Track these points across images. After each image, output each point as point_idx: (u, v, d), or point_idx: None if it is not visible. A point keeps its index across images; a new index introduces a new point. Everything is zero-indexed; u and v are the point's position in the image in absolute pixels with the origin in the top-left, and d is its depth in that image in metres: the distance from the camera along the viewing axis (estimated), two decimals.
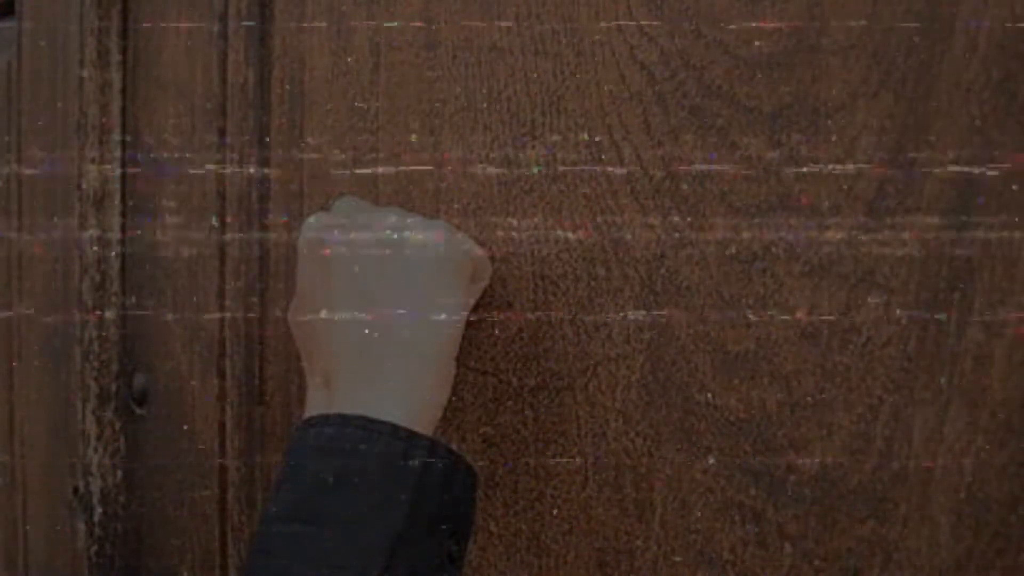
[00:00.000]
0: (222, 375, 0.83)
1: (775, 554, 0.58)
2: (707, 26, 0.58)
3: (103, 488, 0.93)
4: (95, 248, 0.91)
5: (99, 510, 0.93)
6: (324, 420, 0.57)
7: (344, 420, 0.56)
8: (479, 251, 0.64)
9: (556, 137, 0.64)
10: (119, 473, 0.93)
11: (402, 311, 0.58)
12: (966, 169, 0.51)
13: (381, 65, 0.71)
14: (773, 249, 0.57)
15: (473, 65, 0.67)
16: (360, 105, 0.72)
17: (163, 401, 0.89)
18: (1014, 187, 0.51)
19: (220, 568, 0.85)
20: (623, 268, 0.61)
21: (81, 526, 0.93)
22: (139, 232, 0.90)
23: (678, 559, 0.61)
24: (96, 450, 0.92)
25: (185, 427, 0.87)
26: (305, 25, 0.76)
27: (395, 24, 0.70)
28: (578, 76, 0.63)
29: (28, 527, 1.05)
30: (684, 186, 0.59)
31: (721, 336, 0.58)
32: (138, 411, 0.91)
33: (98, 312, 0.91)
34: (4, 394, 1.07)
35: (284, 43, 0.77)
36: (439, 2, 0.68)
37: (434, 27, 0.69)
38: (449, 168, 0.68)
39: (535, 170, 0.63)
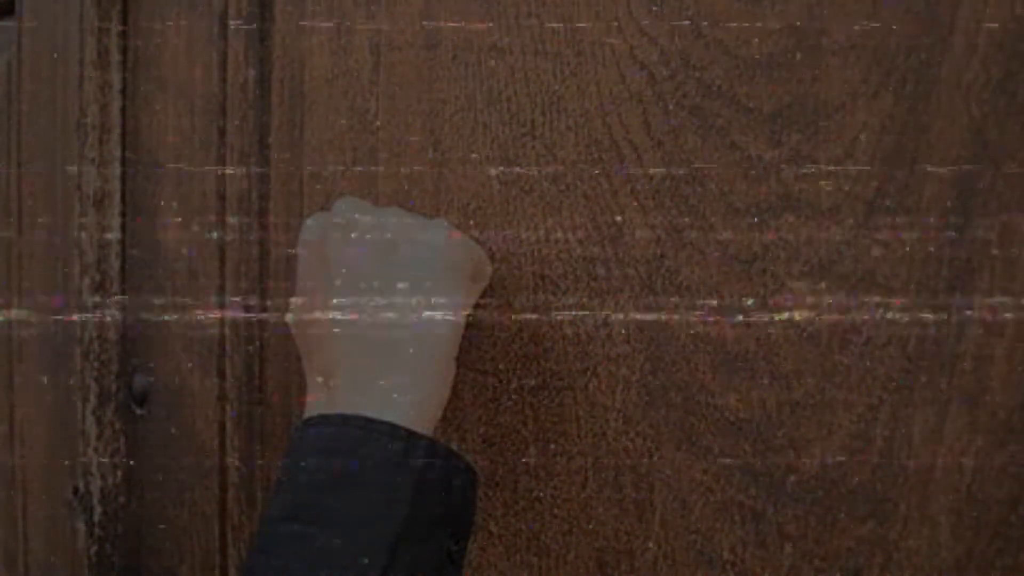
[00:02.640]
0: (222, 375, 0.83)
1: (775, 554, 0.58)
2: (707, 26, 0.58)
3: (103, 488, 0.93)
4: (95, 248, 0.91)
5: (99, 510, 0.93)
6: (324, 420, 0.57)
7: (344, 420, 0.56)
8: (479, 251, 0.64)
9: (556, 137, 0.64)
10: (119, 473, 0.93)
11: (402, 311, 0.58)
12: (966, 168, 0.51)
13: (381, 65, 0.71)
14: (773, 249, 0.57)
15: (473, 65, 0.67)
16: (360, 105, 0.72)
17: (163, 401, 0.89)
18: (1014, 187, 0.51)
19: (220, 568, 0.85)
20: (623, 268, 0.61)
21: (81, 526, 0.93)
22: (139, 232, 0.90)
23: (678, 559, 0.61)
24: (96, 450, 0.92)
25: (185, 427, 0.87)
26: (305, 25, 0.76)
27: (395, 24, 0.71)
28: (578, 76, 0.63)
29: (28, 527, 1.05)
30: (684, 186, 0.59)
31: (721, 336, 0.58)
32: (138, 411, 0.91)
33: (98, 312, 0.91)
34: (4, 394, 1.07)
35: (284, 43, 0.77)
36: (439, 2, 0.68)
37: (434, 27, 0.69)
38: (449, 168, 0.68)
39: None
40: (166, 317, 0.88)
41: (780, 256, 0.57)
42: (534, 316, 0.65)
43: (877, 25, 0.53)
